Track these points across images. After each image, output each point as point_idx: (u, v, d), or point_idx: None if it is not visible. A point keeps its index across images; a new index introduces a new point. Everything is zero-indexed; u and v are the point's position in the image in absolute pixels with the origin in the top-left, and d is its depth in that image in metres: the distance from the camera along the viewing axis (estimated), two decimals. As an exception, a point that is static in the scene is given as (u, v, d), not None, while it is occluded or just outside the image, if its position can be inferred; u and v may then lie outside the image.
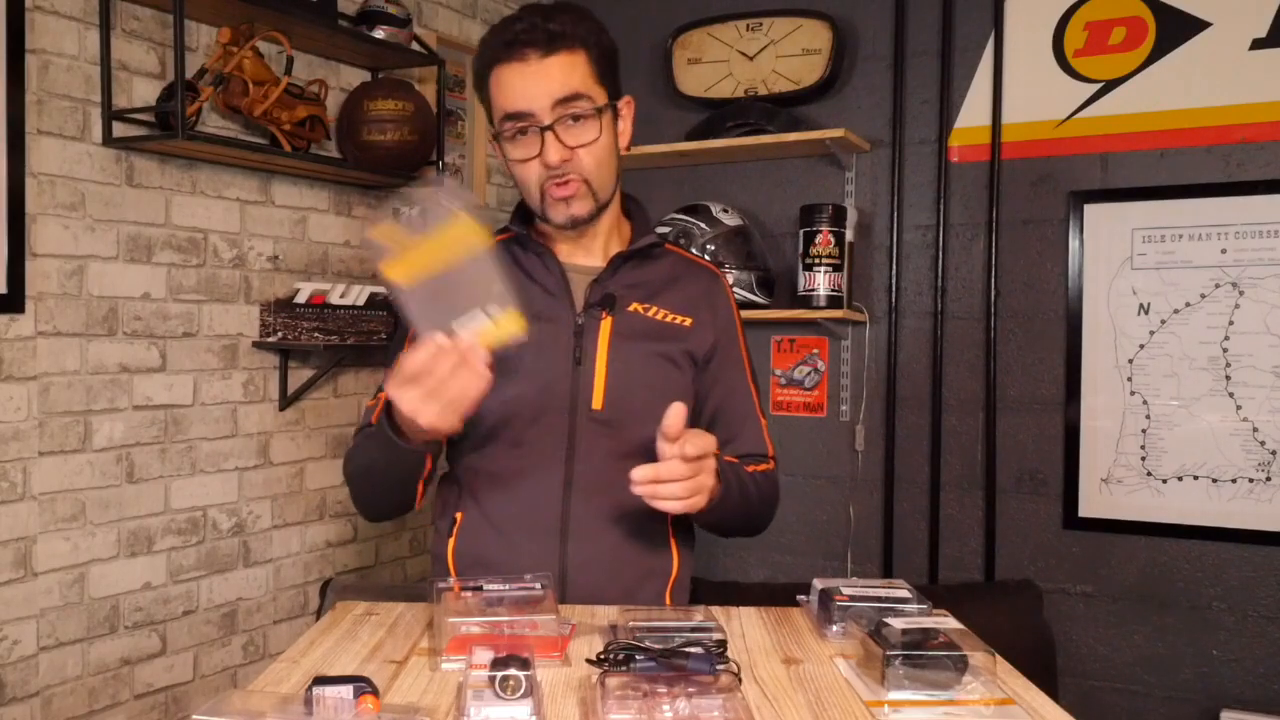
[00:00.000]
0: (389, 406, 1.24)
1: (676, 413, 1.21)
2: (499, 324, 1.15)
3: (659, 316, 1.46)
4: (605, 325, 1.43)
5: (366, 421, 1.44)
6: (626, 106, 1.46)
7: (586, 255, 1.49)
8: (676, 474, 1.23)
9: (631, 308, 1.45)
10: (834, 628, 1.24)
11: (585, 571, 1.41)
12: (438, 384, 1.14)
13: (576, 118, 1.36)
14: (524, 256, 1.48)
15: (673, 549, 1.49)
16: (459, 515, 1.47)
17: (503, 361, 1.36)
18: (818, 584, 1.32)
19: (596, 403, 1.41)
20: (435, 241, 1.14)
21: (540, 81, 1.35)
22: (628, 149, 1.48)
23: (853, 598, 1.26)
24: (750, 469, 1.47)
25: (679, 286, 1.50)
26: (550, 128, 1.35)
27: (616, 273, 1.47)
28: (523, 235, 1.48)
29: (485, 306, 1.15)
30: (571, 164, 1.37)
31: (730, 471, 1.39)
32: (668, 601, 1.48)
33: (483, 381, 1.16)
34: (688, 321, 1.47)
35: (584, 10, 1.40)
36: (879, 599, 1.25)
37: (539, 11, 1.37)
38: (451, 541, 1.48)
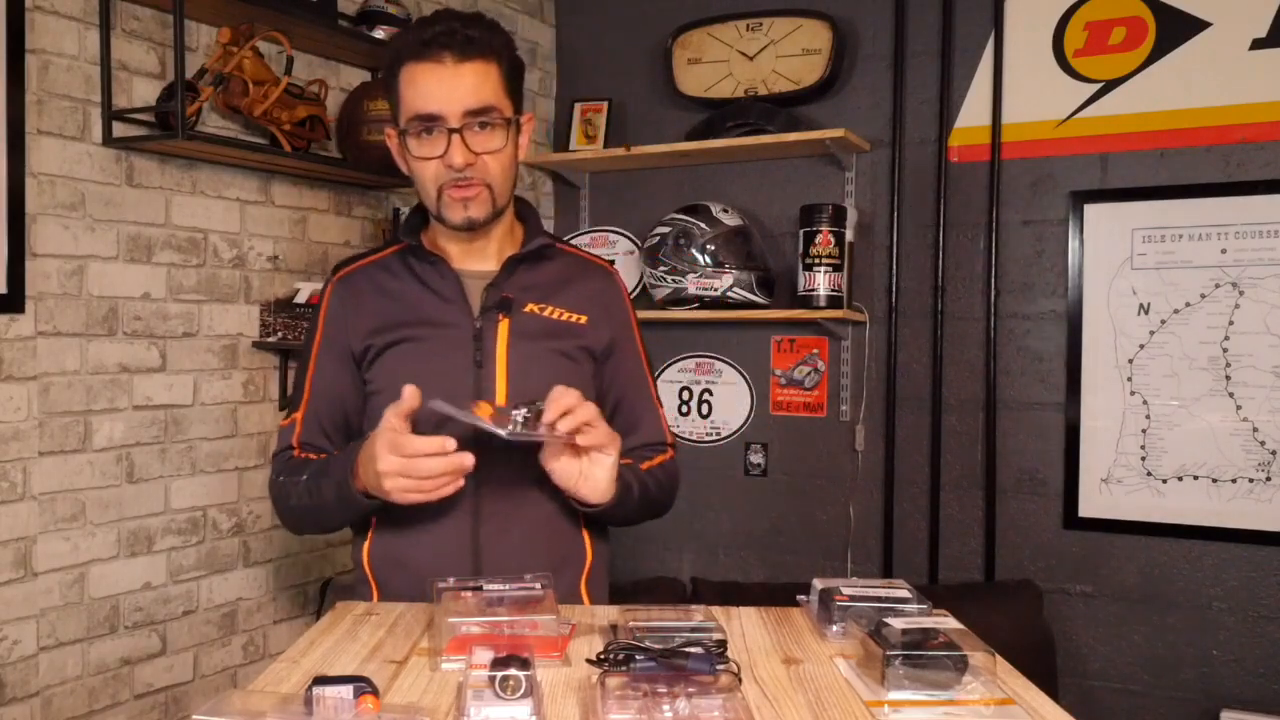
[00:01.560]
0: (356, 460, 1.36)
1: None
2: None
3: (554, 315, 1.51)
4: (503, 327, 1.47)
5: (287, 445, 1.51)
6: (528, 123, 1.51)
7: (480, 260, 1.52)
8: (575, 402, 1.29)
9: (527, 308, 1.49)
10: (834, 628, 1.24)
11: (499, 565, 1.44)
12: (422, 478, 1.28)
13: (484, 125, 1.41)
14: (418, 266, 1.52)
15: (585, 540, 1.53)
16: (373, 519, 1.51)
17: (405, 368, 1.42)
18: (818, 584, 1.32)
19: (500, 402, 1.45)
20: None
21: (454, 86, 1.39)
22: (523, 160, 1.54)
23: (853, 598, 1.26)
24: (649, 463, 1.53)
25: (573, 286, 1.55)
26: (458, 130, 1.39)
27: (511, 275, 1.50)
28: (415, 246, 1.51)
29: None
30: (476, 169, 1.42)
31: (629, 473, 1.45)
32: (583, 592, 1.52)
33: (456, 489, 1.31)
34: (583, 319, 1.52)
35: (497, 24, 1.46)
36: (879, 599, 1.25)
37: (457, 17, 1.42)
38: (366, 545, 1.52)
